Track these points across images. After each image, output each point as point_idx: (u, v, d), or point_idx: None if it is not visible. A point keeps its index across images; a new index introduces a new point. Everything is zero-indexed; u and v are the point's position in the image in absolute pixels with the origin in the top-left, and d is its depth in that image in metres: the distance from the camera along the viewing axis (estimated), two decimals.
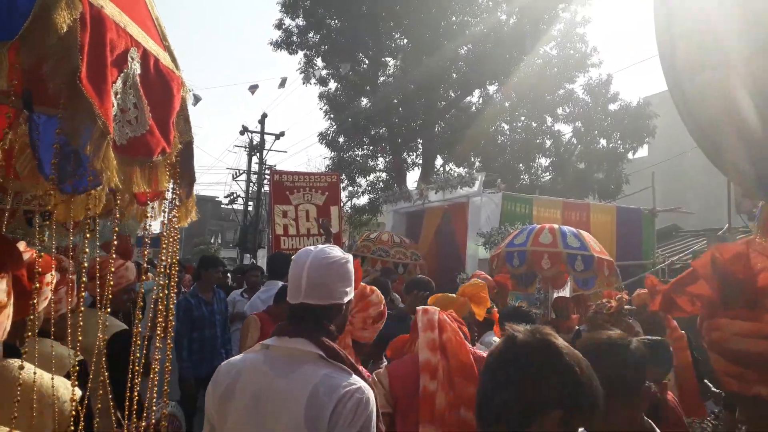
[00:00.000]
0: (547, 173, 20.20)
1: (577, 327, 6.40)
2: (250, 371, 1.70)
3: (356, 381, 1.65)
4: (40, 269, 1.78)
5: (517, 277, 6.73)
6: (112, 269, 3.05)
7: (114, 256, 3.19)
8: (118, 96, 1.02)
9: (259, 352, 1.78)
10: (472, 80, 18.54)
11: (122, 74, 1.03)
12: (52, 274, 1.90)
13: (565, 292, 7.67)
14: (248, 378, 1.69)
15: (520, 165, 19.79)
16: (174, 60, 1.29)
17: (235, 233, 40.97)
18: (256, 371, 1.69)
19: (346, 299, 1.81)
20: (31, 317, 2.75)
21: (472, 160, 20.38)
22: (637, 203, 12.15)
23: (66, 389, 1.74)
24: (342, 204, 19.31)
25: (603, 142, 19.10)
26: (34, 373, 1.73)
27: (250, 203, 29.67)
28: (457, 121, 19.07)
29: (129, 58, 1.04)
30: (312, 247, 1.85)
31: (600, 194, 18.14)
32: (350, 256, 1.87)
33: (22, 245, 1.85)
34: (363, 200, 21.31)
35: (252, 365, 1.72)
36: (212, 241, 46.93)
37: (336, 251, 1.83)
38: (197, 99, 13.49)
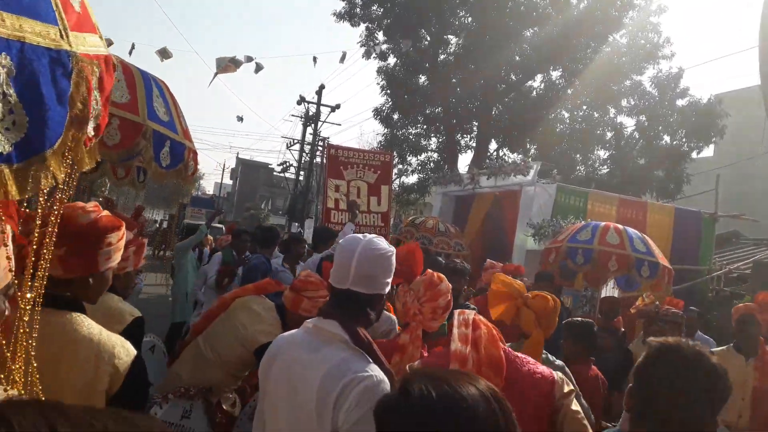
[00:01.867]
0: (605, 166, 19.61)
1: (622, 329, 6.22)
2: (289, 344, 1.85)
3: (370, 370, 1.67)
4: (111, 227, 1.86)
5: (563, 270, 6.54)
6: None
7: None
8: None
9: (302, 328, 1.90)
10: (535, 64, 18.02)
11: None
12: (123, 232, 1.94)
13: (607, 291, 7.45)
14: (286, 349, 1.83)
15: (577, 155, 19.26)
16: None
17: (285, 201, 41.56)
18: (293, 344, 1.83)
19: (386, 289, 1.89)
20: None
21: (528, 146, 19.94)
22: (697, 205, 11.64)
23: (123, 347, 1.76)
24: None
25: (667, 138, 18.37)
26: (93, 329, 1.77)
27: (302, 173, 29.98)
28: (515, 106, 18.63)
29: None
30: (361, 236, 1.89)
31: (658, 193, 17.51)
32: (394, 249, 1.91)
33: (91, 205, 1.88)
34: (412, 179, 21.22)
35: (292, 339, 1.87)
36: (262, 207, 47.78)
37: (383, 243, 1.87)
38: (259, 67, 13.53)
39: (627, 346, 5.65)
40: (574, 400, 2.15)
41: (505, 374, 2.15)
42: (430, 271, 2.74)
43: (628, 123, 19.38)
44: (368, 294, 1.82)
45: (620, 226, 6.13)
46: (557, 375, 2.20)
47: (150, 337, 3.98)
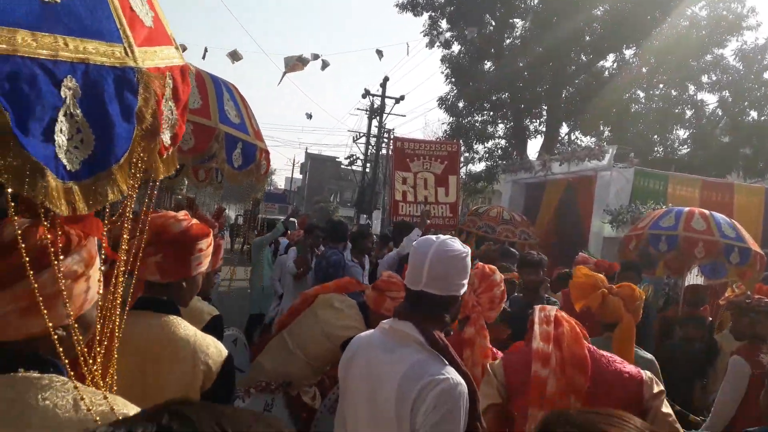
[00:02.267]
0: (685, 147, 18.64)
1: (710, 318, 5.90)
2: (366, 344, 1.89)
3: (446, 372, 1.67)
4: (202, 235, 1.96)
5: (642, 258, 6.28)
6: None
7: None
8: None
9: (378, 329, 1.92)
10: (606, 43, 17.29)
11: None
12: (211, 238, 2.05)
13: (690, 279, 7.07)
14: (364, 349, 1.87)
15: (655, 136, 18.39)
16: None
17: (352, 193, 42.05)
18: (370, 345, 1.87)
19: (461, 291, 1.87)
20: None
21: (601, 129, 19.21)
22: None
23: (215, 347, 1.86)
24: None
25: (753, 114, 17.24)
26: (190, 331, 1.86)
27: (368, 165, 30.21)
28: (587, 88, 17.97)
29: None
30: (434, 237, 1.89)
31: (745, 172, 16.49)
32: (468, 249, 1.90)
33: (182, 214, 1.99)
34: (479, 167, 20.91)
35: (369, 339, 1.90)
36: (331, 199, 48.57)
37: (457, 244, 1.87)
38: (325, 64, 13.71)
39: (715, 336, 5.36)
40: (665, 402, 2.07)
41: (590, 373, 2.10)
42: (480, 263, 2.79)
43: (710, 100, 18.35)
44: (442, 296, 1.81)
45: (706, 212, 5.82)
46: (646, 374, 2.12)
47: (232, 331, 4.17)
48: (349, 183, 45.86)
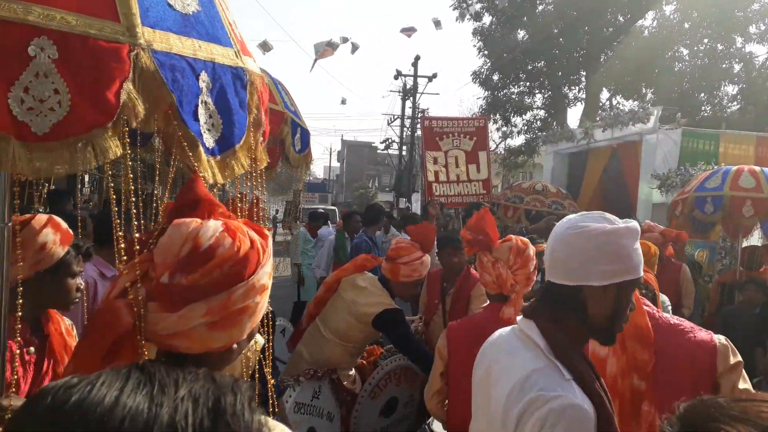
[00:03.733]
0: (735, 103, 17.81)
1: None
2: (493, 344, 1.65)
3: (561, 389, 1.35)
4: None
5: (693, 223, 6.00)
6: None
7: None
8: (30, 90, 1.15)
9: (510, 327, 1.67)
10: (644, 1, 16.57)
11: (29, 67, 1.16)
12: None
13: (753, 241, 6.72)
14: (489, 350, 1.64)
15: (702, 95, 17.63)
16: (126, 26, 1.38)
17: (390, 177, 42.02)
18: (496, 346, 1.63)
19: (607, 281, 1.44)
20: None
21: (644, 92, 18.53)
22: None
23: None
24: (493, 148, 18.79)
25: None
26: None
27: (405, 147, 30.03)
28: (626, 49, 17.34)
29: (34, 50, 1.15)
30: (568, 217, 1.56)
31: None
32: (612, 227, 1.47)
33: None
34: (518, 141, 20.47)
35: (496, 339, 1.66)
36: (370, 185, 48.67)
37: (591, 221, 1.48)
38: (355, 47, 13.61)
39: None
40: (744, 376, 1.78)
41: (654, 346, 1.86)
42: (512, 236, 2.60)
43: (759, 51, 17.57)
44: (571, 286, 1.46)
45: (757, 168, 5.50)
46: (719, 341, 1.81)
47: (280, 321, 4.35)
48: (387, 167, 45.79)
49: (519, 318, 1.58)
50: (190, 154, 1.29)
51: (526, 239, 2.59)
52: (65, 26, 1.18)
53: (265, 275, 1.13)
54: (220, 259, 1.04)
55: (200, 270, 1.03)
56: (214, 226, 1.07)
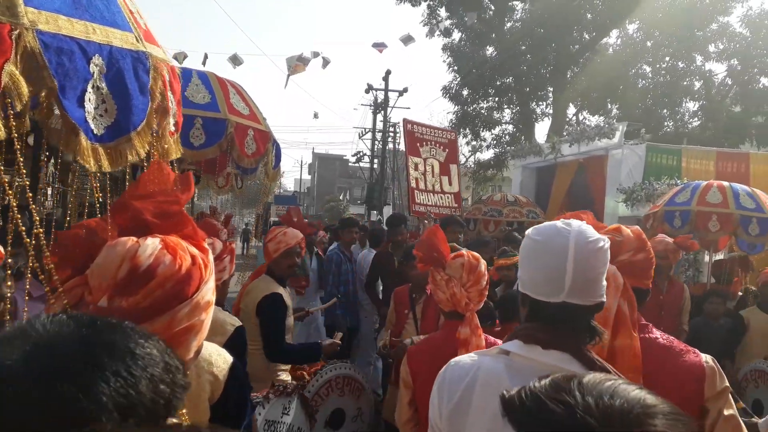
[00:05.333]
0: (696, 119, 18.34)
1: (740, 293, 5.75)
2: (489, 383, 1.36)
3: None
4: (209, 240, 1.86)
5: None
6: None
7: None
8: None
9: (496, 358, 1.41)
10: (609, 20, 17.03)
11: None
12: (222, 242, 2.07)
13: (720, 255, 6.89)
14: (486, 391, 1.35)
15: (664, 111, 18.12)
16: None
17: (362, 190, 42.01)
18: (496, 386, 1.31)
19: (605, 296, 1.39)
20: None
21: (609, 107, 18.96)
22: None
23: (219, 355, 1.74)
24: (463, 162, 18.88)
25: (764, 81, 16.96)
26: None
27: (376, 160, 30.09)
28: (592, 66, 17.74)
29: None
30: (564, 226, 1.38)
31: (759, 141, 16.18)
32: (607, 238, 1.43)
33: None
34: (487, 155, 20.71)
35: (490, 375, 1.38)
36: (341, 198, 48.58)
37: (593, 230, 1.39)
38: (326, 61, 13.55)
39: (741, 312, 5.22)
40: (730, 401, 1.66)
41: (642, 370, 1.68)
42: (463, 251, 2.49)
43: (718, 69, 18.08)
44: (587, 306, 1.35)
45: (725, 184, 5.63)
46: (708, 364, 1.70)
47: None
48: (358, 180, 45.81)
49: (524, 348, 1.35)
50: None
51: (476, 254, 2.49)
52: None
53: (209, 291, 1.08)
54: (161, 279, 0.99)
55: (141, 291, 0.97)
56: (152, 243, 1.02)
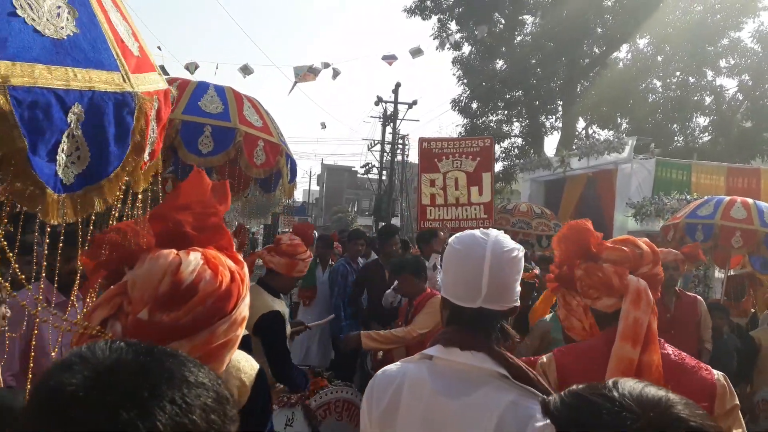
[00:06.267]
0: (706, 134, 18.30)
1: (753, 310, 5.68)
2: (414, 388, 1.42)
3: None
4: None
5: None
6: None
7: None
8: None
9: (419, 363, 1.47)
10: (619, 34, 17.04)
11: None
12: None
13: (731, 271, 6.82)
14: (412, 396, 1.42)
15: (674, 126, 18.07)
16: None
17: (370, 202, 42.07)
18: (421, 389, 1.41)
19: (519, 300, 1.48)
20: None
21: (619, 121, 18.94)
22: None
23: (247, 362, 1.73)
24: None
25: None
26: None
27: (385, 172, 30.15)
28: (601, 80, 17.76)
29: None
30: (481, 235, 1.48)
31: None
32: (521, 246, 1.52)
33: None
34: (497, 168, 20.68)
35: (415, 381, 1.43)
36: (349, 209, 48.66)
37: (510, 240, 1.49)
38: (336, 72, 13.68)
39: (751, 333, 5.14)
40: (739, 420, 1.66)
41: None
42: (537, 270, 2.35)
43: (729, 84, 18.03)
44: (502, 311, 1.43)
45: (750, 201, 5.52)
46: (719, 381, 1.69)
47: None
48: (366, 192, 45.90)
49: (443, 351, 1.42)
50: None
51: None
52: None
53: (246, 307, 1.09)
54: (202, 295, 0.99)
55: (183, 307, 0.98)
56: (194, 259, 1.01)
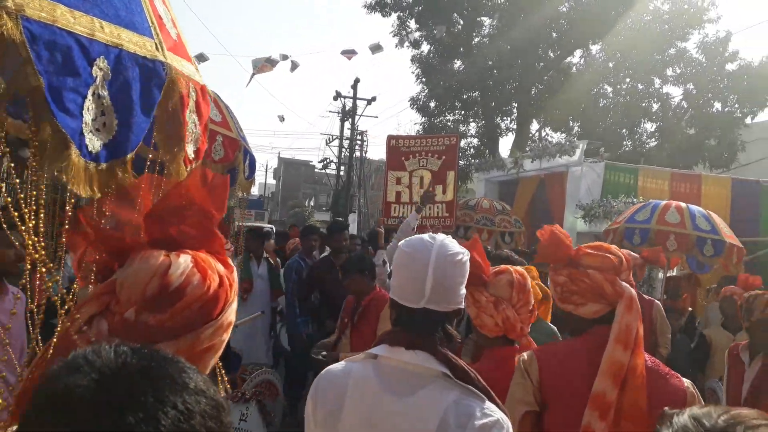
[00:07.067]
0: (653, 139, 18.95)
1: (690, 309, 5.97)
2: (358, 387, 1.45)
3: (493, 411, 1.37)
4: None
5: None
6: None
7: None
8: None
9: (364, 362, 1.50)
10: (573, 40, 17.49)
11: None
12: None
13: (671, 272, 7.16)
14: (356, 396, 1.44)
15: (623, 130, 18.66)
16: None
17: (327, 197, 41.89)
18: (365, 388, 1.44)
19: (463, 303, 1.54)
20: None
21: (571, 125, 19.42)
22: (754, 174, 11.12)
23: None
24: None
25: (717, 105, 17.61)
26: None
27: (343, 168, 30.10)
28: (555, 84, 18.15)
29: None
30: (428, 239, 1.52)
31: (711, 163, 16.80)
32: (467, 251, 1.57)
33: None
34: None
35: (359, 380, 1.46)
36: (306, 204, 48.32)
37: (456, 245, 1.53)
38: (295, 65, 13.57)
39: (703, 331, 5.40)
40: None
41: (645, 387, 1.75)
42: (507, 267, 2.28)
43: (675, 92, 18.70)
44: (446, 312, 1.48)
45: (683, 205, 5.84)
46: (689, 390, 1.78)
47: None
48: (324, 187, 45.71)
49: (388, 350, 1.46)
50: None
51: (521, 269, 2.29)
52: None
53: (233, 312, 1.08)
54: (189, 299, 0.98)
55: (169, 310, 0.97)
56: (184, 262, 1.00)
